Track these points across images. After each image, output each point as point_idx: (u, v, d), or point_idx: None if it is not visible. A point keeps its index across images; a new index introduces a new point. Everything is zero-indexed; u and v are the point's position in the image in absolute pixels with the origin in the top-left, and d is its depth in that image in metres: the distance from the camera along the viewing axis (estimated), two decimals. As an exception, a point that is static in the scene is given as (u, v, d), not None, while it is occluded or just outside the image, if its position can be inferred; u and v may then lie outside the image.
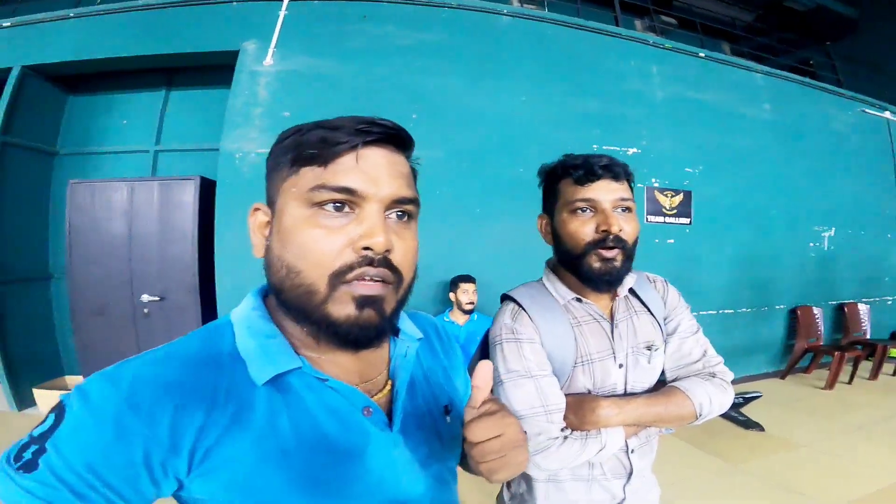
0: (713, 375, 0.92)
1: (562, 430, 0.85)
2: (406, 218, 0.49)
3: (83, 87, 4.04)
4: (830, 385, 4.18)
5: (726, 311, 4.40)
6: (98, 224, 3.33)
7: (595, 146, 3.84)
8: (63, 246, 3.49)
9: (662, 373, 0.97)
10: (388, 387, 0.55)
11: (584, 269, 0.85)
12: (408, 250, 0.48)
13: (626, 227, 0.84)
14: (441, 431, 0.58)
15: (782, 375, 4.62)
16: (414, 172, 0.52)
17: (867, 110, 5.62)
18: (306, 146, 0.45)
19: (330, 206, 0.44)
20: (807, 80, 5.34)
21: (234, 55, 3.45)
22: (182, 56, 3.61)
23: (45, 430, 0.39)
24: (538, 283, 0.96)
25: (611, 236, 0.83)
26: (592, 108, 3.99)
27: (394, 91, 3.57)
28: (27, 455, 0.38)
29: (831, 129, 5.25)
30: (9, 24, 3.84)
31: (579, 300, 0.91)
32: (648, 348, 0.93)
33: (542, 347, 0.87)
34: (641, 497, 0.97)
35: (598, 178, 0.85)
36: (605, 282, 0.85)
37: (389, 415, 0.53)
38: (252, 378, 0.46)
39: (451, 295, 2.98)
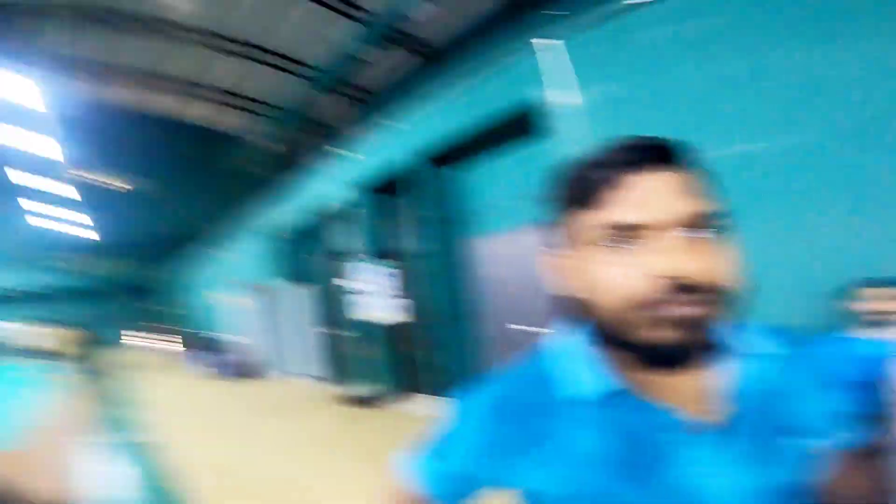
0: None
1: None
2: (711, 232, 0.44)
3: (447, 163, 5.16)
4: None
5: None
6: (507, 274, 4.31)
7: None
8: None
9: None
10: (717, 408, 0.49)
11: None
12: (719, 265, 0.43)
13: None
14: (782, 460, 0.50)
15: None
16: (708, 181, 0.46)
17: None
18: (582, 185, 0.46)
19: (621, 242, 0.43)
20: None
21: (540, 104, 3.80)
22: (493, 122, 4.32)
23: (443, 430, 0.57)
24: None
25: None
26: None
27: (717, 84, 3.08)
28: (434, 445, 0.58)
29: None
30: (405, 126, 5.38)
31: None
32: None
33: None
34: None
35: None
36: None
37: (715, 434, 0.48)
38: (575, 397, 0.49)
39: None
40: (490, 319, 4.46)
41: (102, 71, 15.06)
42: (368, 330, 6.05)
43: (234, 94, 16.66)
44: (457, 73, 5.32)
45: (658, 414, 0.47)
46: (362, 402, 5.77)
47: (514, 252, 4.21)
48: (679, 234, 0.41)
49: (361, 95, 13.28)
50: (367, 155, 6.21)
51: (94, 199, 17.67)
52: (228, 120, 18.48)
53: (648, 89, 3.36)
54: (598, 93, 3.57)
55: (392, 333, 5.78)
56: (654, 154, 0.43)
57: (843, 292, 2.33)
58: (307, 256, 8.61)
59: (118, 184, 17.21)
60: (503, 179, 4.68)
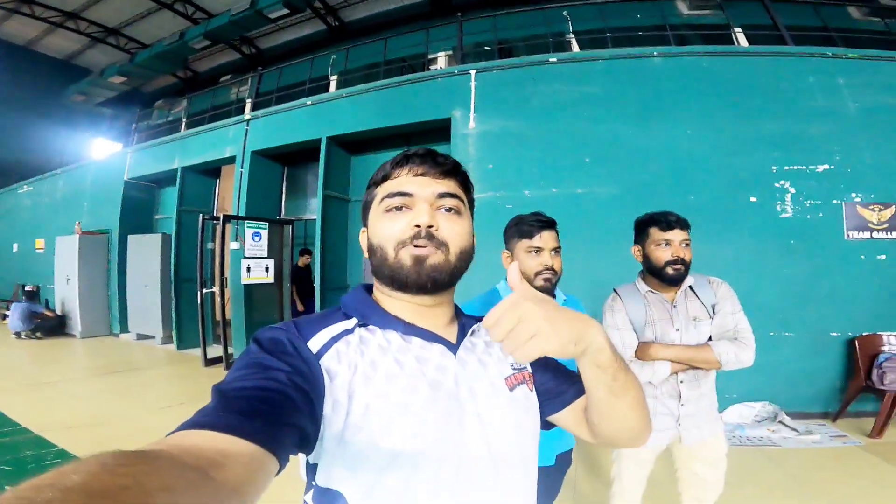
0: (736, 338, 1.51)
1: (631, 359, 1.52)
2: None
3: (358, 150, 5.68)
4: None
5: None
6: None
7: (774, 168, 3.87)
8: (355, 265, 5.52)
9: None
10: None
11: (663, 276, 1.54)
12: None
13: (686, 255, 1.52)
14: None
15: None
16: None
17: None
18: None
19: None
20: None
21: (447, 121, 4.55)
22: (415, 125, 4.90)
23: None
24: (633, 283, 1.67)
25: (678, 259, 1.51)
26: (768, 130, 3.96)
27: (568, 139, 4.21)
28: None
29: None
30: (310, 102, 5.58)
31: (652, 292, 1.61)
32: (695, 319, 1.55)
33: (626, 315, 1.58)
34: (698, 423, 1.56)
35: (672, 227, 1.52)
36: (673, 281, 1.54)
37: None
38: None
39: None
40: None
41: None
42: (226, 289, 5.76)
43: (111, 31, 13.91)
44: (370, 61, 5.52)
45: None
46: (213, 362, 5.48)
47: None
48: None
49: (261, 56, 12.22)
50: (263, 119, 6.07)
51: None
52: (94, 56, 15.33)
53: (534, 128, 4.32)
54: (491, 124, 4.48)
55: (252, 293, 5.71)
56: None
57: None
58: (154, 207, 7.76)
59: None
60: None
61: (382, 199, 0.65)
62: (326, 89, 6.32)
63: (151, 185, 7.86)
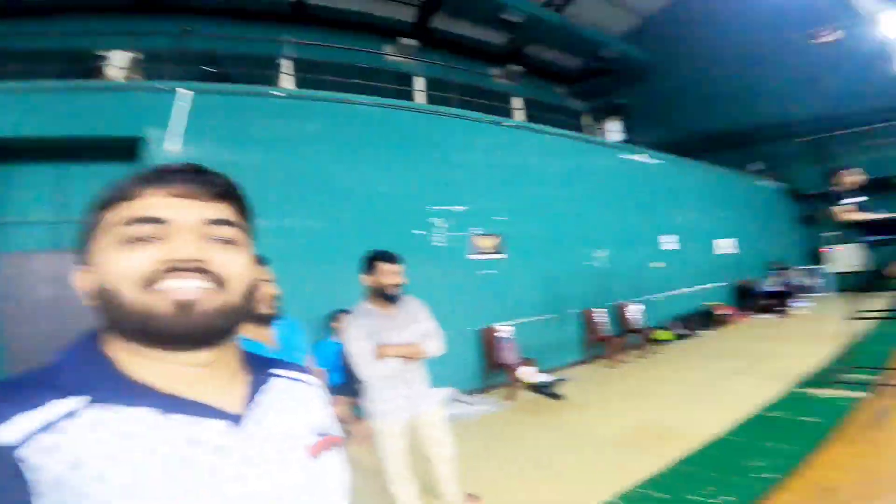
0: (432, 337, 2.26)
1: (370, 358, 2.11)
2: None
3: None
4: (615, 364, 5.66)
5: (538, 318, 5.72)
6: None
7: (432, 207, 5.11)
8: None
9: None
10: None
11: (387, 295, 2.17)
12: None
13: (402, 280, 2.20)
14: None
15: (584, 362, 5.99)
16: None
17: (624, 155, 7.76)
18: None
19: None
20: (580, 135, 7.38)
21: (134, 140, 3.92)
22: (86, 139, 3.92)
23: None
24: (363, 304, 2.24)
25: (398, 284, 2.19)
26: (431, 176, 5.18)
27: (283, 173, 4.42)
28: None
29: (597, 170, 7.05)
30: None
31: (378, 309, 2.21)
32: (406, 326, 2.22)
33: (361, 329, 2.14)
34: (423, 397, 2.27)
35: (395, 261, 2.19)
36: (394, 298, 2.19)
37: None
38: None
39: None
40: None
41: None
42: None
43: None
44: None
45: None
46: None
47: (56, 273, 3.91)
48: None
49: None
50: None
51: None
52: None
53: (247, 159, 4.26)
54: (200, 149, 4.13)
55: None
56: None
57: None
58: None
59: None
60: (59, 195, 4.10)
61: (117, 228, 0.46)
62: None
63: None
